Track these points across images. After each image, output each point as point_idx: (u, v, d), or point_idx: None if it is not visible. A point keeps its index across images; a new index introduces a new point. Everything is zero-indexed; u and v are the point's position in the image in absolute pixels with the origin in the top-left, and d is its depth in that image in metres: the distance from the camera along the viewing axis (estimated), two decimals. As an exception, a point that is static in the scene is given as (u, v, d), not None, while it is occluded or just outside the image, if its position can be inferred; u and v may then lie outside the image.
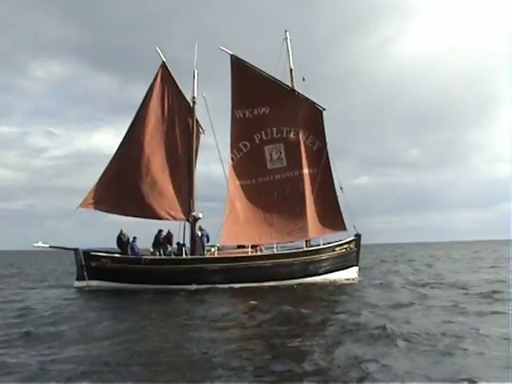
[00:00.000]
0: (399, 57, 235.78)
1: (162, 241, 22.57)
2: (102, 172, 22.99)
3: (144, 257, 22.04)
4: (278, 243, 23.04)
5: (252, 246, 22.82)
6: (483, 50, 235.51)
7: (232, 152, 23.63)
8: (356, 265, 23.75)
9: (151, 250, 22.65)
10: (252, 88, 23.51)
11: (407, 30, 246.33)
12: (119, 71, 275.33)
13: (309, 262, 22.39)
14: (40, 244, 21.68)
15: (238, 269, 21.58)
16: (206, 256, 22.24)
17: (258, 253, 22.81)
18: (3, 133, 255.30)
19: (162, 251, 22.47)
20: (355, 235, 23.72)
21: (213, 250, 22.35)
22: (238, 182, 23.52)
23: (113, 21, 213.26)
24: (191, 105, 23.57)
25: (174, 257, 22.45)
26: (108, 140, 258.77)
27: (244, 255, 22.29)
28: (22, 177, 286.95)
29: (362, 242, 24.08)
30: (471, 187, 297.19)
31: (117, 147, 23.28)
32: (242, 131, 23.65)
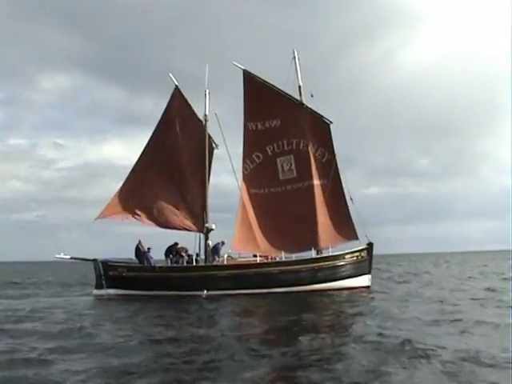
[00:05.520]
0: (405, 66, 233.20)
1: (172, 251, 23.47)
2: (118, 184, 24.52)
3: (157, 265, 23.01)
4: (288, 253, 23.44)
5: (262, 256, 23.32)
6: (490, 57, 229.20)
7: (245, 162, 24.57)
8: (368, 273, 23.75)
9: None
10: (263, 101, 24.47)
11: (413, 39, 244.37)
12: (126, 83, 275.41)
13: (317, 269, 22.65)
14: (62, 255, 23.08)
15: (246, 275, 22.13)
16: (216, 263, 22.97)
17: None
18: (13, 145, 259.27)
19: (173, 260, 23.34)
20: (367, 244, 23.82)
21: (223, 258, 23.07)
22: (250, 191, 24.35)
23: (117, 33, 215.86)
24: (204, 122, 24.92)
25: (185, 265, 23.23)
26: (117, 151, 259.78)
27: (252, 262, 22.81)
28: (32, 188, 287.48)
29: (375, 253, 24.14)
30: (482, 196, 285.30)
31: (135, 161, 24.75)
32: (254, 143, 24.60)
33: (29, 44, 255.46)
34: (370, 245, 23.82)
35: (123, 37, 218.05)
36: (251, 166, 24.67)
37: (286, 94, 24.75)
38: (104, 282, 22.75)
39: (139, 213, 23.98)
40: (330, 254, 23.36)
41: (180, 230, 24.21)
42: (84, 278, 35.96)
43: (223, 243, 23.74)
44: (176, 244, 23.88)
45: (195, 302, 20.05)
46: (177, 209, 24.23)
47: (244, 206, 24.14)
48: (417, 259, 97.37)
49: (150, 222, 24.20)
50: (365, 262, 23.64)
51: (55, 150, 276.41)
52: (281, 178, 24.58)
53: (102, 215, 23.81)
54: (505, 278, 29.90)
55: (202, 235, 24.18)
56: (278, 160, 24.67)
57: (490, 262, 61.52)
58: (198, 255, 23.70)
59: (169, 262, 23.38)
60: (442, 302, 18.15)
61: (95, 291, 22.95)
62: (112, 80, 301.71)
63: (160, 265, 23.24)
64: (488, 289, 22.68)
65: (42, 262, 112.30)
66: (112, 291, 22.55)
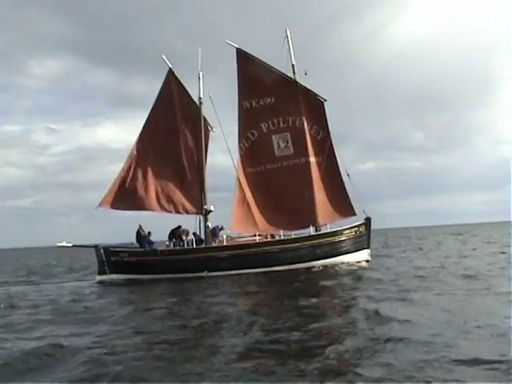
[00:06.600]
0: (397, 39, 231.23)
1: (175, 234, 23.68)
2: (113, 166, 25.03)
3: (159, 248, 23.24)
4: (287, 230, 23.63)
5: (260, 235, 23.54)
6: (483, 28, 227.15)
7: (241, 141, 24.67)
8: (367, 247, 24.02)
9: (167, 243, 23.85)
10: (257, 79, 24.54)
11: (403, 13, 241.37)
12: (117, 65, 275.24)
13: (317, 246, 22.87)
14: (64, 243, 23.24)
15: (246, 255, 22.37)
16: (215, 245, 23.20)
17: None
18: (6, 131, 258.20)
19: (176, 243, 23.56)
20: (365, 219, 24.03)
21: (222, 238, 23.27)
22: (247, 170, 24.49)
23: (107, 16, 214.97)
24: (198, 105, 24.92)
25: (185, 247, 23.46)
26: (111, 134, 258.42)
27: (252, 242, 23.03)
28: (27, 174, 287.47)
29: (372, 227, 24.36)
30: (477, 169, 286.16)
31: (131, 145, 24.71)
32: (249, 120, 24.69)
33: (19, 30, 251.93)
34: (368, 220, 24.05)
35: (113, 20, 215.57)
36: (246, 145, 24.74)
37: (280, 72, 24.73)
38: (106, 268, 23.00)
39: (138, 201, 24.05)
40: (329, 230, 23.55)
41: (180, 213, 24.37)
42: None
43: (222, 228, 23.93)
44: (179, 227, 24.03)
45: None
46: (176, 192, 24.32)
47: (240, 186, 24.23)
48: (403, 233, 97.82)
49: (149, 209, 24.31)
50: (363, 237, 23.94)
51: (49, 135, 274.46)
52: (277, 154, 24.68)
53: (103, 206, 23.89)
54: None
55: (201, 217, 24.38)
56: (274, 137, 24.74)
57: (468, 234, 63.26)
58: (197, 236, 23.90)
59: (171, 245, 23.59)
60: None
61: (98, 277, 23.09)
62: (103, 63, 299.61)
63: (161, 248, 23.42)
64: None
65: (39, 248, 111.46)
66: (115, 276, 22.75)
